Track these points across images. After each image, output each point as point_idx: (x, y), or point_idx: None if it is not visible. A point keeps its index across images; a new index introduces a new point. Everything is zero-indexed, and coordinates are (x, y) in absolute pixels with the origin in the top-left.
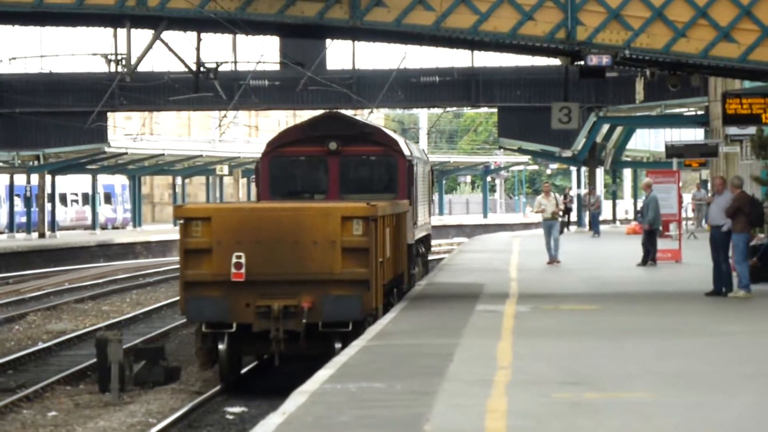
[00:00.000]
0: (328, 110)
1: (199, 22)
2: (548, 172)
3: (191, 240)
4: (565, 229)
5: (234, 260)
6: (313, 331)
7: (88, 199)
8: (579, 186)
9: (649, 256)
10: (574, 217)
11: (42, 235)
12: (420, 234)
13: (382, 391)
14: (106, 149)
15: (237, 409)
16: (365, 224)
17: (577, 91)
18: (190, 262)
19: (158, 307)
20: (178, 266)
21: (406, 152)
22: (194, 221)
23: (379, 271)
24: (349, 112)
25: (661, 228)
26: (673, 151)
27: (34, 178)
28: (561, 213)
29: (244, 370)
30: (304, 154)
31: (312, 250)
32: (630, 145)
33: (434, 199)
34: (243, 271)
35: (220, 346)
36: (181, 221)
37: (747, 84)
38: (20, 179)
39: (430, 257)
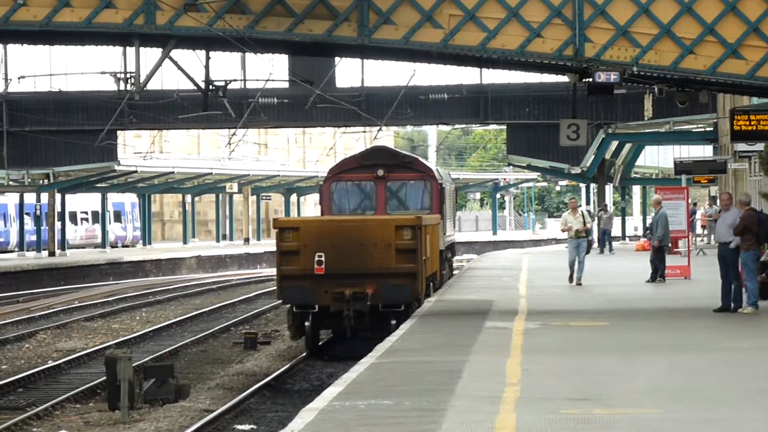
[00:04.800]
0: (376, 146)
1: (207, 41)
2: (557, 189)
3: (285, 244)
4: None
5: (316, 258)
6: (375, 311)
7: (98, 218)
8: (588, 203)
9: (658, 273)
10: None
11: (52, 254)
12: (447, 242)
13: (391, 408)
14: (116, 167)
15: (246, 427)
16: (413, 231)
17: (585, 107)
18: (284, 260)
19: (168, 325)
20: (191, 283)
21: (438, 177)
22: (287, 230)
23: (423, 267)
24: (358, 129)
25: (670, 244)
26: (681, 167)
27: (44, 197)
28: (589, 230)
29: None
30: (358, 179)
31: (373, 251)
32: (639, 162)
33: None
34: (323, 266)
35: (306, 323)
36: (277, 230)
37: (755, 100)
38: (30, 198)
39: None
